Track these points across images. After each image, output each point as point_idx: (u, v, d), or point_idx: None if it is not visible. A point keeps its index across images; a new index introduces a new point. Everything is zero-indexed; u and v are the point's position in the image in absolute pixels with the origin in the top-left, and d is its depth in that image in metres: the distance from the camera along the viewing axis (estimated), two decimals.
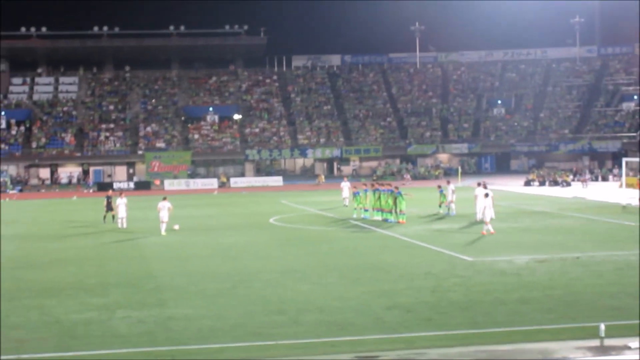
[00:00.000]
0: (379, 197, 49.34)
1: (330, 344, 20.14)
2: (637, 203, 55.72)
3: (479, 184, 49.29)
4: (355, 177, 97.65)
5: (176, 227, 45.76)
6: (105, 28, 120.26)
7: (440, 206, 53.21)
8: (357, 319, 22.47)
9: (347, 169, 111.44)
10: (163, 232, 44.06)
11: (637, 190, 57.85)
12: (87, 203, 71.17)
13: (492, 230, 41.51)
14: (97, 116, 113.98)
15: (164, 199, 45.82)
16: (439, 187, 54.86)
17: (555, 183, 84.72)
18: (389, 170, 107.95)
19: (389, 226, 45.89)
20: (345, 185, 62.34)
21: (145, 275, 30.31)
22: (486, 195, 43.67)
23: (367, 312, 23.37)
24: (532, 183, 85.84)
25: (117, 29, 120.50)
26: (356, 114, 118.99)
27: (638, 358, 18.54)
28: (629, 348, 19.24)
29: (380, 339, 20.46)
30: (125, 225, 47.59)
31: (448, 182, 54.58)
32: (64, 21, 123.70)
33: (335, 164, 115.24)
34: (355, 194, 53.44)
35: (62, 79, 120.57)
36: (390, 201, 48.13)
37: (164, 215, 44.50)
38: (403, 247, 37.50)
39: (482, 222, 43.45)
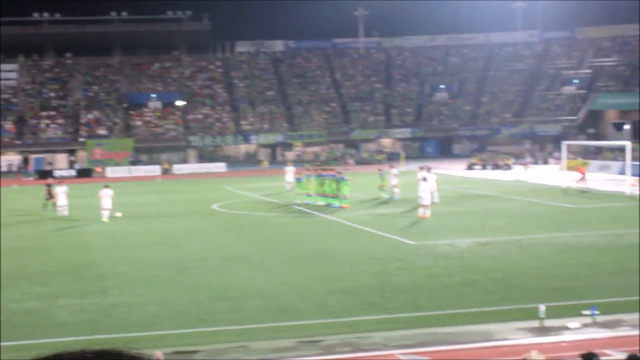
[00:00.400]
0: (323, 183, 49.39)
1: (274, 329, 20.13)
2: (577, 185, 56.38)
3: (421, 168, 49.47)
4: (298, 162, 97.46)
5: (118, 214, 45.42)
6: (45, 14, 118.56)
7: (381, 190, 53.41)
8: (301, 304, 22.51)
9: (290, 155, 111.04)
10: (105, 219, 43.70)
11: (578, 173, 58.46)
12: (27, 191, 70.23)
13: (422, 214, 41.61)
14: (38, 103, 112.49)
15: (106, 186, 45.48)
16: (380, 170, 55.09)
17: (497, 166, 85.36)
18: (332, 156, 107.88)
19: (333, 211, 45.93)
20: (289, 170, 62.31)
21: (87, 264, 30.02)
22: (424, 179, 43.68)
23: (311, 297, 23.40)
24: (474, 167, 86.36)
25: (57, 15, 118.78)
26: (300, 100, 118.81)
27: (576, 338, 18.78)
28: (568, 328, 19.49)
29: (324, 324, 20.48)
30: (66, 213, 47.10)
31: (391, 167, 54.76)
32: (3, 7, 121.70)
33: (279, 150, 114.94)
34: (298, 180, 53.47)
35: (1, 66, 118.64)
36: (334, 186, 48.19)
37: (106, 203, 44.18)
38: (347, 231, 37.55)
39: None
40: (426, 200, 41.85)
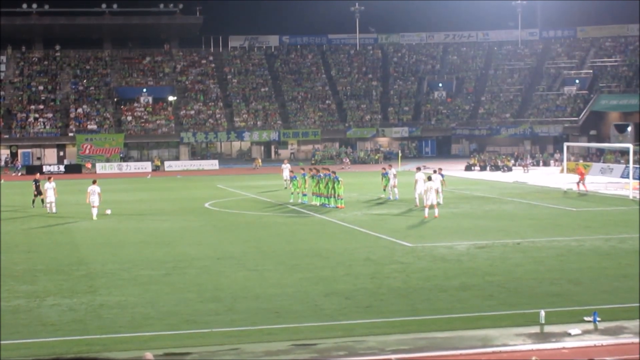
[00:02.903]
0: (318, 182, 48.93)
1: (267, 331, 19.89)
2: (578, 188, 55.97)
3: (418, 169, 49.18)
4: (293, 161, 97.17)
5: (108, 211, 45.02)
6: (34, 5, 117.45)
7: (384, 190, 53.01)
8: (295, 306, 22.25)
9: (285, 153, 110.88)
10: (95, 217, 43.07)
11: (577, 175, 58.14)
12: (15, 187, 69.52)
13: (426, 215, 41.48)
14: (26, 97, 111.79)
15: (94, 182, 44.87)
16: (384, 169, 54.42)
17: (496, 168, 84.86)
18: (328, 154, 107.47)
19: (327, 211, 45.54)
20: (286, 167, 62.10)
21: (75, 262, 29.64)
22: (429, 178, 43.49)
23: (305, 299, 23.14)
24: (473, 167, 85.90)
25: (47, 7, 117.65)
26: (294, 96, 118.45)
27: (577, 345, 18.61)
28: (569, 335, 19.32)
29: (318, 327, 20.26)
30: (54, 210, 46.52)
31: (390, 166, 54.37)
32: None
33: (273, 148, 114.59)
34: (292, 178, 53.10)
35: None
36: (330, 185, 47.74)
37: (95, 200, 43.50)
38: (342, 232, 37.17)
39: (421, 207, 43.21)
40: (432, 200, 41.54)
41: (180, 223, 41.40)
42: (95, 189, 43.72)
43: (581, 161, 78.03)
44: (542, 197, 53.14)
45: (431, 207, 41.66)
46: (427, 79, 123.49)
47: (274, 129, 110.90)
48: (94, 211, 43.43)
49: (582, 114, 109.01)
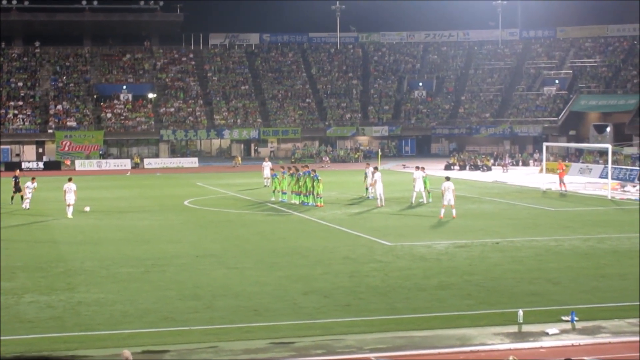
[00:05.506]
0: (297, 180, 48.88)
1: (246, 329, 19.91)
2: (557, 188, 56.15)
3: (417, 168, 49.16)
4: (272, 159, 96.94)
5: (87, 208, 44.77)
6: (14, 1, 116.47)
7: (366, 189, 53.06)
8: (274, 304, 22.24)
9: (265, 151, 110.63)
10: (70, 215, 42.72)
11: (556, 176, 58.29)
12: None
13: (454, 214, 41.01)
14: (5, 93, 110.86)
15: (70, 180, 44.39)
16: (367, 165, 54.43)
17: (475, 167, 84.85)
18: (307, 153, 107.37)
19: (307, 209, 45.50)
20: (267, 165, 62.14)
21: (54, 259, 29.54)
22: (447, 178, 42.84)
23: (284, 297, 23.13)
24: (452, 167, 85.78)
25: (26, 3, 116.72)
26: (275, 95, 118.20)
27: (555, 345, 18.66)
28: (547, 334, 19.36)
29: (297, 325, 20.28)
30: (27, 206, 46.15)
31: (368, 165, 54.40)
32: None
33: (252, 146, 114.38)
34: (272, 176, 53.08)
35: None
36: (309, 184, 47.70)
37: (70, 198, 43.10)
38: (321, 231, 37.20)
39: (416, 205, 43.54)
40: (452, 201, 40.90)
41: (160, 221, 41.33)
42: (71, 186, 43.27)
43: (560, 161, 78.18)
44: (521, 196, 53.24)
45: (448, 206, 40.98)
46: (407, 78, 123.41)
47: (254, 127, 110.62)
48: (70, 209, 43.04)
49: (562, 114, 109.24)
